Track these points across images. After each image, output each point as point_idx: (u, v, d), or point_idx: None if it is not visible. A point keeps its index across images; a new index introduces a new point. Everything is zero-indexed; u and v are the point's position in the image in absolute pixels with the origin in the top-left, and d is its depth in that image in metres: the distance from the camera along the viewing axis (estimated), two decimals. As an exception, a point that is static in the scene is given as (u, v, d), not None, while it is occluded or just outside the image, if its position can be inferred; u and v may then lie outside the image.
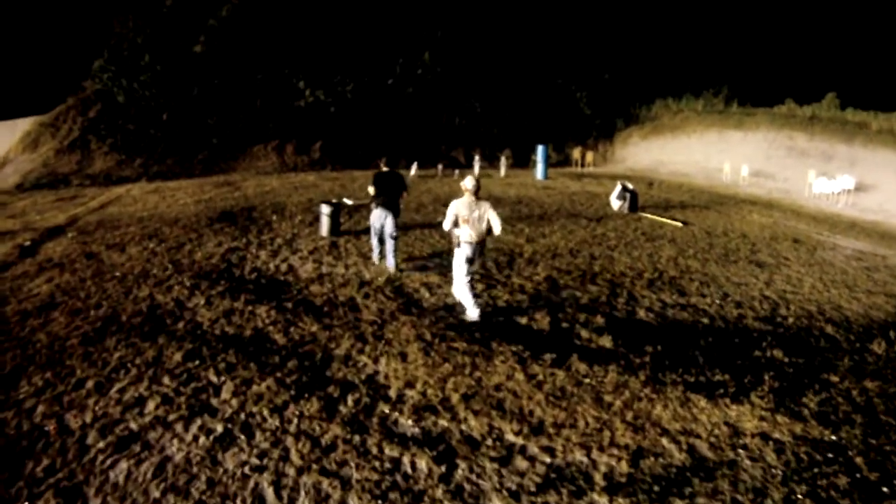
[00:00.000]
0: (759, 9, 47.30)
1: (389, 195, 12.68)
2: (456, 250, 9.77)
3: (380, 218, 12.44)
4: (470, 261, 9.66)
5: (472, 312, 9.81)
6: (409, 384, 7.56)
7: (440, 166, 30.21)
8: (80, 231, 16.33)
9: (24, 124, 31.83)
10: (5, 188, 26.10)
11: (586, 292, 11.91)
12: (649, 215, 21.43)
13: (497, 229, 9.65)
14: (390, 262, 12.61)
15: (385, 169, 13.14)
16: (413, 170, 29.25)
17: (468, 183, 9.57)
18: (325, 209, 15.75)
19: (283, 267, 12.87)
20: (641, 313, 10.73)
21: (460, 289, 9.88)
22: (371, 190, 12.77)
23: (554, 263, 14.03)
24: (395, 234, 12.52)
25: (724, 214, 22.99)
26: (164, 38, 31.48)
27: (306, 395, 7.16)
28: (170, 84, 30.84)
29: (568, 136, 39.65)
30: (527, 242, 16.13)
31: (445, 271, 12.33)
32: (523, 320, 10.09)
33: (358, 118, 33.42)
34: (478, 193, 9.59)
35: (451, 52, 36.95)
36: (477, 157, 31.52)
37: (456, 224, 9.58)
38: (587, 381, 7.75)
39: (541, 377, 7.80)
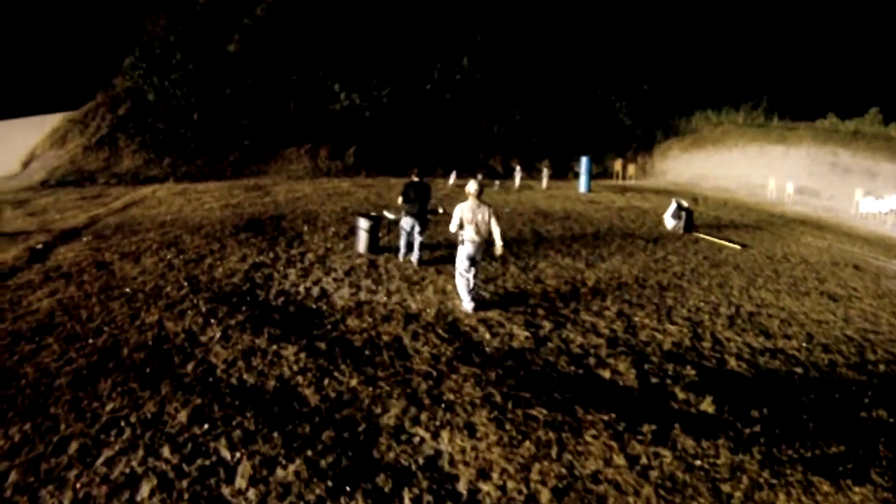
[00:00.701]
0: (800, 21, 44.81)
1: (420, 205, 12.91)
2: (459, 248, 10.15)
3: (410, 224, 12.93)
4: (472, 259, 10.12)
5: (467, 305, 10.31)
6: (483, 473, 5.62)
7: (479, 176, 28.05)
8: (96, 235, 14.58)
9: (52, 120, 30.34)
10: (30, 185, 24.39)
11: (667, 334, 10.04)
12: (705, 236, 19.50)
13: (497, 238, 10.17)
14: (415, 257, 13.07)
15: (416, 179, 13.13)
16: (451, 179, 27.13)
17: (471, 187, 10.20)
18: (363, 223, 13.76)
19: (315, 291, 10.91)
20: (732, 362, 8.98)
21: (459, 282, 10.40)
22: (400, 200, 12.85)
23: (622, 295, 12.11)
24: (422, 237, 13.12)
25: (777, 236, 21.16)
26: (197, 36, 29.65)
27: (348, 489, 5.22)
28: (201, 83, 28.97)
29: (607, 148, 37.39)
30: (587, 268, 14.15)
31: (505, 304, 10.57)
32: (605, 373, 8.17)
33: (394, 124, 31.32)
34: (480, 197, 10.16)
35: (490, 58, 34.75)
36: (518, 168, 29.23)
37: (461, 226, 10.00)
38: (698, 463, 6.08)
39: (644, 460, 6.04)
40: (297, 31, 30.79)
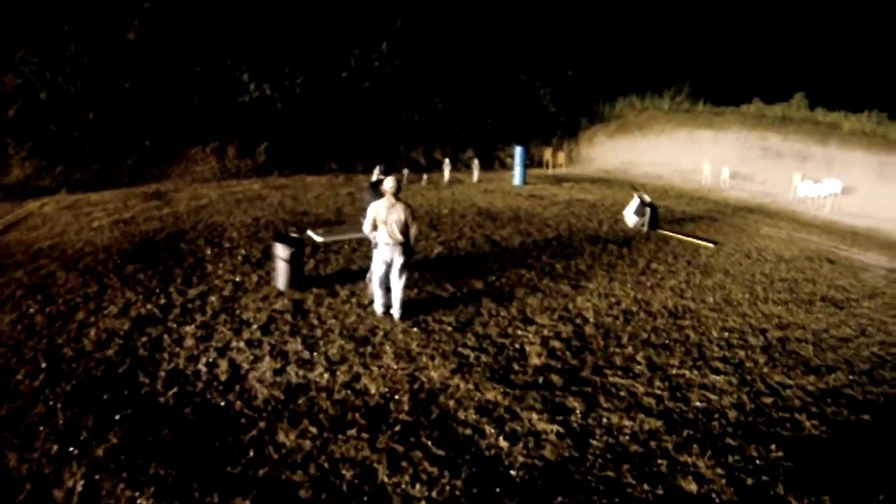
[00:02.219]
0: (722, 6, 42.67)
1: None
2: (374, 252, 8.93)
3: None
4: (388, 263, 8.72)
5: (377, 307, 9.10)
6: None
7: (405, 171, 24.27)
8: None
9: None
10: None
11: (719, 391, 7.45)
12: (673, 234, 16.81)
13: (412, 234, 8.74)
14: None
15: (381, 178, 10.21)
16: (375, 175, 23.22)
17: (388, 184, 8.67)
18: (282, 251, 9.80)
19: (223, 367, 7.11)
20: (806, 423, 6.86)
21: (374, 285, 9.09)
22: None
23: (638, 333, 9.15)
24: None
25: (736, 227, 19.07)
26: (93, 23, 24.55)
27: None
28: (98, 78, 23.97)
29: (532, 136, 34.15)
30: (575, 292, 10.91)
31: (512, 386, 7.23)
32: (689, 484, 5.35)
33: (309, 116, 27.03)
34: (398, 194, 8.62)
35: (410, 44, 30.75)
36: (447, 161, 25.51)
37: (375, 227, 8.62)
38: None
39: None
40: (203, 16, 26.07)
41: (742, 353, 8.66)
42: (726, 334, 9.39)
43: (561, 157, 31.68)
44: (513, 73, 34.39)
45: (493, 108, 33.26)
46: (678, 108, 35.95)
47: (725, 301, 11.14)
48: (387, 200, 8.50)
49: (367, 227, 8.68)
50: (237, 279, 10.38)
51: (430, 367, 7.26)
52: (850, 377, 8.31)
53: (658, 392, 7.09)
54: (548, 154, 31.44)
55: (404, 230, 8.54)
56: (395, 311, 8.90)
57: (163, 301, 9.17)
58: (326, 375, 6.92)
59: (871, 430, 6.88)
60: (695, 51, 39.69)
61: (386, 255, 8.63)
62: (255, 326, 8.32)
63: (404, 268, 8.70)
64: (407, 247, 8.64)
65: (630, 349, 8.31)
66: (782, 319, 10.44)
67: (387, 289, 8.91)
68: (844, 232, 20.99)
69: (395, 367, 7.22)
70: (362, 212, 9.23)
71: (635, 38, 38.90)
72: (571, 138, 35.97)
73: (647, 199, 17.23)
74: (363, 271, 10.79)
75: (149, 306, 8.91)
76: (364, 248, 12.22)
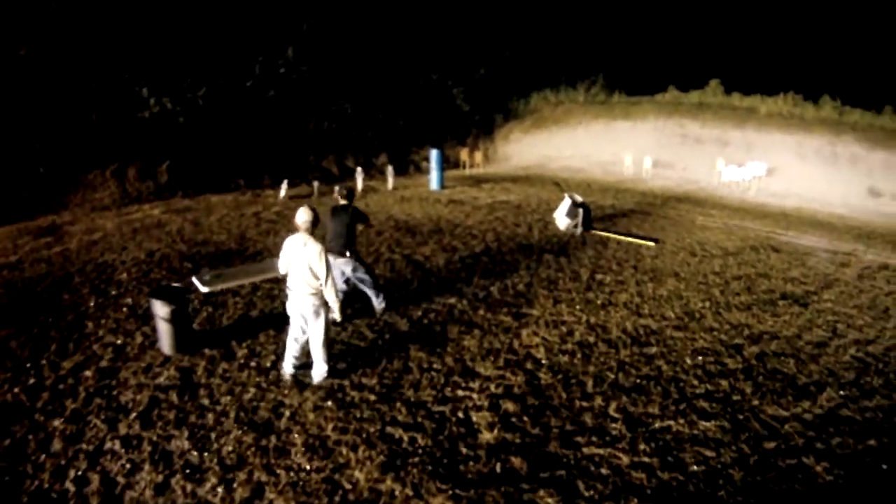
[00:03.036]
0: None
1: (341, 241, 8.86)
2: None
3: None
4: (302, 316, 6.84)
5: (285, 367, 7.25)
6: None
7: (315, 183, 22.17)
8: None
9: None
10: None
11: (713, 444, 6.05)
12: (609, 234, 15.42)
13: (328, 295, 6.74)
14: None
15: (343, 203, 9.17)
16: (282, 190, 21.08)
17: (299, 217, 6.78)
18: (161, 309, 7.76)
19: (94, 486, 5.29)
20: (815, 467, 5.77)
21: (289, 338, 7.19)
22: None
23: (600, 372, 7.61)
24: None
25: (670, 220, 17.87)
26: None
27: None
28: None
29: (447, 136, 32.39)
30: (517, 323, 9.33)
31: (463, 483, 5.69)
32: None
33: (212, 129, 24.48)
34: (312, 230, 6.76)
35: (317, 48, 28.50)
36: (359, 169, 23.42)
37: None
38: None
39: None
40: (97, 27, 23.30)
41: (725, 384, 7.33)
42: (700, 359, 8.01)
43: (478, 156, 30.10)
44: (424, 73, 32.67)
45: (405, 110, 31.48)
46: (593, 100, 34.90)
47: (687, 314, 9.77)
48: (298, 237, 6.77)
49: (281, 267, 7.07)
50: (118, 341, 8.45)
51: (352, 463, 5.49)
52: (841, 393, 7.34)
53: (646, 460, 5.62)
54: (464, 154, 29.77)
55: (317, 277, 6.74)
56: (315, 374, 7.17)
57: (32, 381, 7.27)
58: (221, 490, 5.12)
59: (882, 458, 6.00)
60: (607, 41, 38.85)
61: (293, 308, 6.94)
62: (133, 414, 6.47)
63: (321, 323, 6.94)
64: (323, 298, 6.85)
65: (599, 399, 6.74)
66: (752, 329, 9.26)
67: (299, 345, 7.17)
68: (775, 214, 20.15)
69: (307, 466, 5.45)
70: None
71: (546, 31, 37.78)
72: (487, 136, 34.43)
73: (579, 198, 15.76)
74: (266, 317, 8.93)
75: (16, 390, 7.03)
76: (270, 285, 10.31)
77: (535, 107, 35.95)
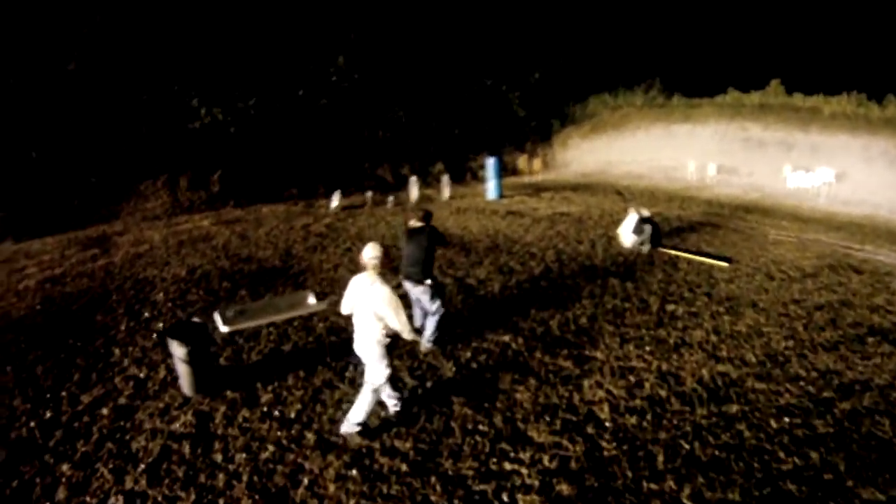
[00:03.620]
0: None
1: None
2: None
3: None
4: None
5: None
6: None
7: (368, 193, 21.21)
8: None
9: None
10: None
11: None
12: (679, 253, 13.85)
13: (401, 332, 5.83)
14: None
15: (419, 224, 8.10)
16: (334, 201, 20.20)
17: (367, 253, 5.80)
18: (179, 350, 6.97)
19: None
20: None
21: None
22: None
23: (687, 449, 6.25)
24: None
25: (742, 234, 16.15)
26: (30, 54, 21.23)
27: None
28: (39, 113, 20.72)
29: (504, 143, 31.13)
30: (582, 372, 8.13)
31: None
32: None
33: (264, 139, 23.89)
34: (379, 266, 5.76)
35: (368, 56, 27.60)
36: (414, 178, 22.38)
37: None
38: None
39: None
40: (146, 40, 22.94)
41: (815, 456, 5.99)
42: (786, 421, 6.66)
43: (536, 163, 28.83)
44: (478, 78, 31.42)
45: (460, 117, 30.39)
46: (652, 103, 33.17)
47: (769, 356, 8.36)
48: (366, 276, 5.92)
49: (345, 308, 6.25)
50: (142, 374, 7.78)
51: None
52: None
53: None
54: (522, 161, 28.54)
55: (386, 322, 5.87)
56: (346, 425, 6.29)
57: (49, 414, 6.75)
58: None
59: None
60: (663, 42, 37.04)
61: (361, 352, 6.08)
62: (142, 466, 5.76)
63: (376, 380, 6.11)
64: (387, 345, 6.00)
65: (671, 481, 5.56)
66: (842, 377, 7.77)
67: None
68: (848, 225, 18.37)
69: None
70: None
71: (601, 33, 36.06)
72: (545, 142, 33.04)
73: (646, 213, 14.39)
74: (299, 354, 7.99)
75: (32, 424, 6.52)
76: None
77: (592, 111, 34.47)
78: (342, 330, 8.85)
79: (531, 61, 33.71)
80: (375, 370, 5.99)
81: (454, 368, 7.79)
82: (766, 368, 7.94)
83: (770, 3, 39.27)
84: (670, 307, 10.21)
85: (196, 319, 8.13)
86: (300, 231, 16.41)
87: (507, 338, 8.72)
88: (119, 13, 22.62)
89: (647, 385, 7.38)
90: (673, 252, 13.85)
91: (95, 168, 20.83)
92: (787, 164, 24.54)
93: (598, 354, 8.25)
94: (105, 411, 6.85)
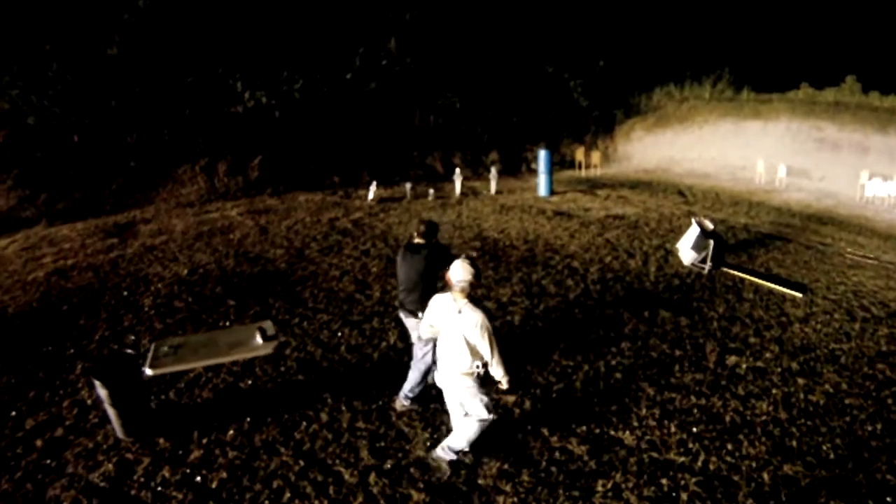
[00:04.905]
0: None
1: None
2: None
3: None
4: (453, 405, 5.03)
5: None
6: None
7: (408, 184, 19.06)
8: None
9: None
10: None
11: None
12: (746, 276, 11.27)
13: (490, 364, 4.70)
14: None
15: (418, 241, 5.92)
16: (371, 192, 18.16)
17: (455, 274, 4.56)
18: (101, 391, 5.45)
19: None
20: None
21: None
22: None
23: None
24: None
25: (817, 253, 13.33)
26: (73, 39, 20.01)
27: None
28: (81, 97, 19.52)
29: (562, 133, 28.56)
30: (598, 466, 5.75)
31: None
32: None
33: (309, 124, 22.11)
34: (470, 291, 4.57)
35: (422, 39, 25.42)
36: (458, 171, 20.05)
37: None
38: None
39: None
40: (189, 23, 21.45)
41: None
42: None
43: (595, 156, 26.01)
44: (538, 65, 28.87)
45: (518, 105, 27.94)
46: (720, 96, 30.15)
47: (853, 450, 5.84)
48: (450, 297, 4.74)
49: (424, 331, 5.13)
50: (89, 400, 6.34)
51: None
52: None
53: None
54: (580, 154, 25.81)
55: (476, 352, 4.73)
56: (441, 451, 5.26)
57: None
58: None
59: None
60: (733, 31, 33.94)
61: (449, 391, 5.01)
62: None
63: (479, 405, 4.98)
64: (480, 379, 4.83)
65: None
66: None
67: None
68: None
69: None
70: None
71: (669, 21, 33.16)
72: (606, 134, 30.33)
73: (710, 225, 11.90)
74: (258, 392, 6.19)
75: None
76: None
77: (658, 103, 31.53)
78: (315, 366, 6.91)
79: (596, 48, 31.04)
80: (474, 407, 4.90)
81: (429, 443, 5.66)
82: (848, 472, 5.53)
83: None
84: (731, 359, 7.76)
85: (129, 351, 6.44)
86: (325, 226, 14.59)
87: (511, 398, 6.50)
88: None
89: (683, 498, 5.07)
90: (738, 274, 11.40)
91: (135, 152, 19.61)
92: (863, 169, 21.63)
93: (627, 437, 5.89)
94: (39, 443, 5.60)
